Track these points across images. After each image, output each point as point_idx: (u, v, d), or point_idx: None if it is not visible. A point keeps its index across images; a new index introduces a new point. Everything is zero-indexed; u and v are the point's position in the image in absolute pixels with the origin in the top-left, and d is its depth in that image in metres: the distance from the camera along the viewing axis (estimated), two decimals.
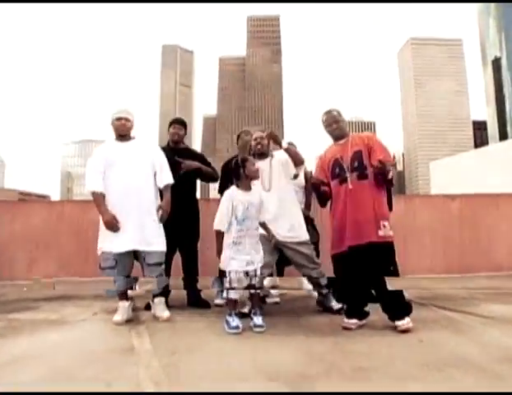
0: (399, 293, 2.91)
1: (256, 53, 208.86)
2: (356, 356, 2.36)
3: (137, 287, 3.55)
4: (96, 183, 3.30)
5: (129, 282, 3.47)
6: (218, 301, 3.87)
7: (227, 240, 3.03)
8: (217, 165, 4.21)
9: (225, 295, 3.05)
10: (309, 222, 4.24)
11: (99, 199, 3.29)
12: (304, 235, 3.49)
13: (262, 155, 3.55)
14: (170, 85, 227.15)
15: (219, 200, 3.28)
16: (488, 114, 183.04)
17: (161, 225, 3.42)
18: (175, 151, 3.87)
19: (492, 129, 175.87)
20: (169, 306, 3.59)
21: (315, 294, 3.95)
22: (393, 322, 2.88)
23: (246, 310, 3.27)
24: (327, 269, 4.08)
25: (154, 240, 3.33)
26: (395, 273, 2.94)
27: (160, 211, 3.36)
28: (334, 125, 3.24)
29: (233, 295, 2.98)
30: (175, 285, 3.76)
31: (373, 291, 3.08)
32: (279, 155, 3.51)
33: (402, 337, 2.72)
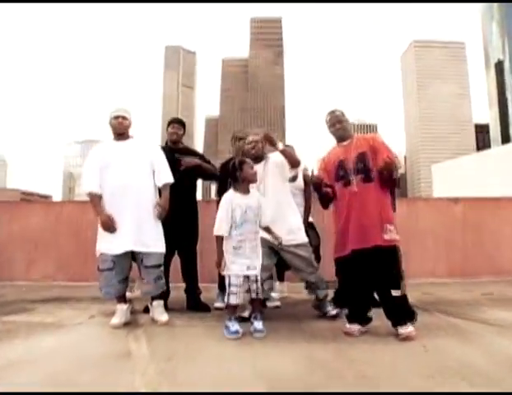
0: (404, 299, 2.84)
1: (259, 55, 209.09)
2: (358, 364, 2.29)
3: (135, 290, 3.49)
4: (92, 183, 3.26)
5: (127, 285, 3.40)
6: (218, 304, 3.80)
7: (226, 245, 2.96)
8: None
9: (225, 299, 2.98)
10: (310, 226, 4.17)
11: (95, 200, 3.25)
12: (303, 238, 3.42)
13: (257, 158, 3.43)
14: (173, 86, 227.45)
15: (218, 201, 3.22)
16: (490, 117, 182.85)
17: (161, 226, 3.36)
18: (174, 151, 3.80)
19: (494, 132, 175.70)
20: (168, 309, 3.52)
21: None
22: (396, 328, 2.80)
23: (246, 314, 3.20)
24: (328, 273, 4.03)
25: (152, 242, 3.27)
26: (400, 278, 2.87)
27: (158, 208, 3.28)
28: (338, 125, 3.17)
29: (233, 300, 2.92)
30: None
31: (376, 296, 3.01)
32: (274, 157, 3.43)
33: (406, 345, 2.64)
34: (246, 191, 3.05)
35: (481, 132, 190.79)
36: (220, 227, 2.95)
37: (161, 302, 3.42)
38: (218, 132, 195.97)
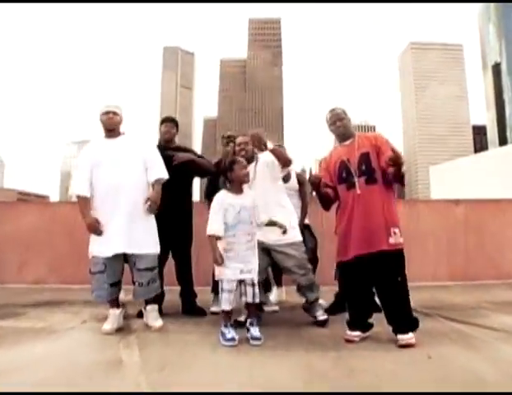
0: (406, 305, 2.74)
1: (257, 56, 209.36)
2: (358, 373, 2.20)
3: (122, 295, 3.36)
4: (81, 186, 3.17)
5: (120, 288, 3.28)
6: (214, 309, 3.68)
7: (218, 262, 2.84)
8: None
9: (218, 306, 2.87)
10: (306, 227, 4.07)
11: (82, 202, 3.17)
12: (295, 236, 3.30)
13: (248, 159, 3.33)
14: (171, 86, 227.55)
15: (209, 205, 3.11)
16: (488, 119, 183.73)
17: (155, 226, 3.26)
18: (167, 150, 3.64)
19: (492, 134, 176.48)
20: (162, 314, 3.42)
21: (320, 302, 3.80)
22: (396, 335, 2.70)
23: (243, 319, 3.09)
24: (328, 276, 3.93)
25: (145, 243, 3.16)
26: (403, 284, 2.76)
27: (148, 202, 3.15)
28: (338, 123, 3.05)
29: (225, 305, 2.81)
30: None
31: (377, 300, 2.91)
32: (264, 157, 3.33)
33: (408, 352, 2.54)
34: (239, 191, 2.95)
35: (479, 133, 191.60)
36: (211, 228, 2.83)
37: (155, 307, 3.31)
38: (216, 133, 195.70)
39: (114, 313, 3.14)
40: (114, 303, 3.20)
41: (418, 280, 4.99)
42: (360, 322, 2.84)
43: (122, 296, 3.37)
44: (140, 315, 3.40)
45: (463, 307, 3.94)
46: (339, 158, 3.01)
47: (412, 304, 2.82)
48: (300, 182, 4.22)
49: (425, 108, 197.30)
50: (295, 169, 4.12)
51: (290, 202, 3.51)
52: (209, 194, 3.77)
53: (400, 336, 2.65)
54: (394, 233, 2.75)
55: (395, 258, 2.76)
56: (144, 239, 3.16)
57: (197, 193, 4.42)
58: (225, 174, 2.98)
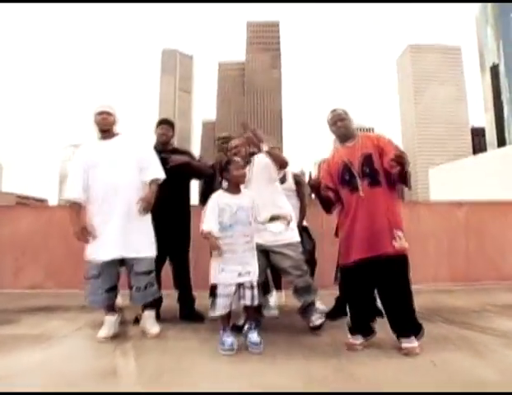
0: (410, 310, 2.67)
1: (256, 59, 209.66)
2: (360, 382, 2.14)
3: (119, 300, 3.29)
4: (73, 190, 3.13)
5: (116, 294, 3.20)
6: (213, 314, 3.60)
7: (217, 252, 2.76)
8: None
9: (213, 311, 2.80)
10: (304, 229, 4.00)
11: (73, 208, 3.14)
12: (292, 237, 3.22)
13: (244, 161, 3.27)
14: (170, 90, 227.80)
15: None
16: (486, 121, 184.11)
17: (151, 228, 3.19)
18: (163, 153, 3.53)
19: (490, 136, 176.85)
20: (160, 319, 3.35)
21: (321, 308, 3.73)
22: (400, 341, 2.63)
23: (241, 323, 3.02)
24: (328, 279, 3.87)
25: (142, 246, 3.10)
26: (407, 288, 2.69)
27: (141, 202, 3.06)
28: (339, 123, 2.98)
29: (221, 310, 2.73)
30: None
31: (379, 305, 2.84)
32: (259, 159, 3.26)
33: (411, 359, 2.47)
34: (236, 191, 2.88)
35: (478, 135, 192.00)
36: (206, 225, 2.73)
37: (153, 312, 3.24)
38: (215, 136, 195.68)
39: (110, 320, 3.07)
40: (110, 309, 3.12)
41: (419, 282, 4.90)
42: (361, 327, 2.77)
43: (119, 301, 3.29)
44: (137, 321, 3.33)
45: (465, 310, 3.87)
46: (341, 160, 2.93)
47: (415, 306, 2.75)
48: (297, 182, 4.15)
49: (423, 110, 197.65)
50: (291, 169, 4.06)
51: (290, 203, 3.44)
52: (205, 197, 3.70)
53: (404, 344, 2.59)
54: (399, 236, 2.69)
55: (399, 263, 2.70)
56: (141, 242, 3.10)
57: (195, 196, 4.34)
58: (221, 175, 2.92)
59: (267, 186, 3.23)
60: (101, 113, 3.19)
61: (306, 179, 5.67)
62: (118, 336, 3.03)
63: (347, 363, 2.42)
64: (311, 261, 3.85)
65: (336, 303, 3.75)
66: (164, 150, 3.65)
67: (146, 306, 3.21)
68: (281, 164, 3.22)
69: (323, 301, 3.88)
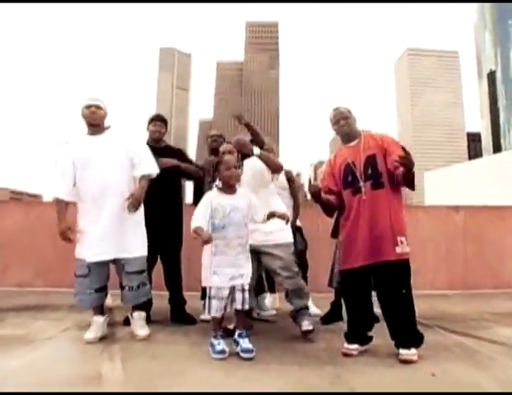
0: (410, 319, 2.57)
1: (254, 59, 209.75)
2: (356, 391, 2.04)
3: (109, 300, 3.19)
4: (60, 188, 3.02)
5: (105, 294, 3.09)
6: (204, 317, 3.48)
7: (206, 252, 2.66)
8: None
9: (206, 313, 2.69)
10: (297, 229, 3.90)
11: (59, 206, 3.03)
12: (284, 237, 3.13)
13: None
14: (167, 87, 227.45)
15: None
16: (482, 127, 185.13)
17: (143, 227, 3.09)
18: (155, 150, 3.39)
19: (486, 141, 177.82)
20: (150, 321, 3.25)
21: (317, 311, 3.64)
22: (398, 349, 2.53)
23: (231, 327, 2.91)
24: (322, 283, 3.77)
25: (134, 246, 3.00)
26: (408, 296, 2.60)
27: (129, 199, 2.91)
28: (342, 121, 2.87)
29: (215, 312, 2.61)
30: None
31: (375, 310, 2.75)
32: (251, 163, 3.16)
33: (410, 368, 2.37)
34: (230, 191, 2.77)
35: (473, 140, 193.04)
36: (196, 222, 2.60)
37: (143, 314, 3.13)
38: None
39: (98, 321, 2.96)
40: (98, 310, 3.02)
41: (416, 288, 4.82)
42: (359, 335, 2.67)
43: (108, 302, 3.18)
44: (126, 322, 3.22)
45: (463, 318, 3.79)
46: (344, 160, 2.82)
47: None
48: (289, 179, 4.04)
49: (420, 114, 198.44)
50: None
51: (282, 202, 3.36)
52: (197, 199, 3.59)
53: (401, 351, 2.49)
54: (401, 242, 2.60)
55: (401, 269, 2.60)
56: (133, 242, 3.00)
57: (190, 194, 4.24)
58: (213, 175, 2.84)
59: (259, 190, 3.12)
60: (90, 106, 3.03)
61: (301, 181, 5.59)
62: (105, 339, 2.92)
63: (343, 371, 2.33)
64: (302, 263, 3.75)
65: (331, 307, 3.66)
66: (156, 147, 3.52)
67: (136, 307, 3.10)
68: (274, 168, 3.13)
69: (318, 305, 3.80)
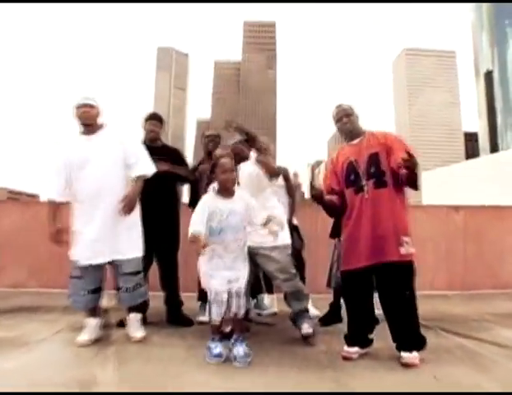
0: (413, 322, 2.52)
1: (251, 59, 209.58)
2: None
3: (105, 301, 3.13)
4: (53, 189, 2.96)
5: (100, 296, 3.03)
6: (202, 318, 3.41)
7: (203, 256, 2.59)
8: None
9: (207, 316, 2.63)
10: (294, 228, 3.84)
11: (51, 207, 2.98)
12: (283, 240, 3.05)
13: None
14: (165, 87, 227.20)
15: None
16: (480, 126, 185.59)
17: (139, 227, 3.02)
18: (151, 150, 3.29)
19: (483, 141, 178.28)
20: (146, 322, 3.19)
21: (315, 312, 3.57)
22: (399, 352, 2.48)
23: (227, 330, 2.85)
24: (320, 284, 3.71)
25: (129, 248, 2.93)
26: (412, 298, 2.54)
27: (123, 200, 2.85)
28: (345, 119, 2.81)
29: (216, 317, 2.56)
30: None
31: (377, 311, 2.69)
32: (247, 167, 3.12)
33: (412, 372, 2.33)
34: (228, 194, 2.69)
35: (471, 140, 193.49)
36: (193, 228, 2.51)
37: (139, 316, 3.07)
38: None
39: (91, 323, 2.90)
40: (92, 312, 2.95)
41: (417, 288, 4.79)
42: (359, 338, 2.62)
43: (103, 303, 3.11)
44: (121, 324, 3.16)
45: (464, 319, 3.74)
46: (347, 159, 2.76)
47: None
48: (285, 177, 3.97)
49: (418, 114, 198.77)
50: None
51: (279, 201, 3.32)
52: (193, 201, 3.51)
53: (403, 354, 2.44)
54: (405, 242, 2.53)
55: (405, 270, 2.54)
56: (128, 243, 2.94)
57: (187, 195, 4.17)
58: (210, 178, 2.78)
59: (256, 194, 3.06)
60: (82, 106, 2.97)
61: (299, 181, 5.52)
62: (100, 341, 2.86)
63: (343, 374, 2.28)
64: (298, 262, 3.68)
65: (330, 308, 3.61)
66: (152, 147, 3.42)
67: (132, 309, 3.04)
68: (271, 173, 3.08)
69: (316, 306, 3.75)
